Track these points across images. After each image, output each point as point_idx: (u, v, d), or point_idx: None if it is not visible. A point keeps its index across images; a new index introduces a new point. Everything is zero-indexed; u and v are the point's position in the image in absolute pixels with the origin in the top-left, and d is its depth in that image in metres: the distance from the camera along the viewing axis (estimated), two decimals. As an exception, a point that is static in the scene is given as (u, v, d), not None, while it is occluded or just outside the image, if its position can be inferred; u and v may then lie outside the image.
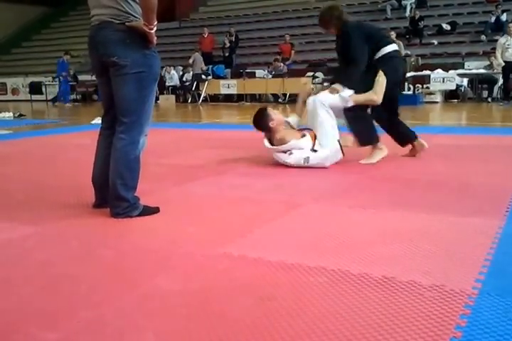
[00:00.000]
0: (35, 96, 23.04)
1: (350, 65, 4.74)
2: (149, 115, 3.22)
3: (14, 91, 24.74)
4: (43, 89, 22.42)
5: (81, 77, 21.80)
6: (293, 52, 18.48)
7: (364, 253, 2.49)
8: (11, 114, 12.99)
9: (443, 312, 1.86)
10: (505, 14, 16.94)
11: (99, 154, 3.41)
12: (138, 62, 3.08)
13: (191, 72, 18.86)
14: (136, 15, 3.06)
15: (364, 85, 4.62)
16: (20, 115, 13.10)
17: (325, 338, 1.69)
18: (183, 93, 19.25)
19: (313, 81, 17.73)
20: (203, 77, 18.42)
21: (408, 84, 16.29)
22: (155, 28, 3.07)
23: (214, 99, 18.99)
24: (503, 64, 13.93)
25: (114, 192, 3.17)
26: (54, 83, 22.18)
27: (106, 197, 3.30)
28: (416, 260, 2.38)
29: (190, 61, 18.68)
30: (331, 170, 4.59)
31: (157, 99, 19.88)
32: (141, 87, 3.10)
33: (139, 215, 3.20)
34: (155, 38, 3.12)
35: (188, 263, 2.41)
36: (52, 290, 2.14)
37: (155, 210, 3.29)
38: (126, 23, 3.03)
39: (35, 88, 23.12)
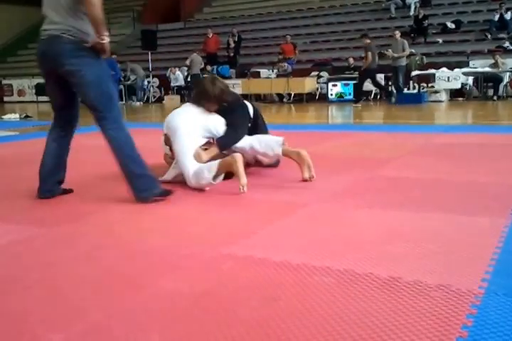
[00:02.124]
0: (41, 98, 23.12)
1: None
2: (118, 106, 3.77)
3: (20, 92, 24.83)
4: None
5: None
6: (297, 51, 18.46)
7: (370, 253, 2.48)
8: (17, 116, 13.03)
9: (449, 311, 1.86)
10: (509, 12, 16.91)
11: (47, 147, 3.86)
12: (91, 67, 3.48)
13: (186, 73, 18.90)
14: (84, 31, 3.43)
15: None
16: (27, 116, 13.14)
17: (330, 338, 1.69)
18: (188, 93, 19.27)
19: (318, 80, 17.78)
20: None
21: (413, 83, 16.29)
22: (107, 39, 3.43)
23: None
24: None
25: (132, 173, 3.54)
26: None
27: (50, 188, 3.77)
28: (422, 259, 2.38)
29: (187, 62, 18.63)
30: (335, 171, 4.58)
31: (162, 99, 19.92)
32: (102, 85, 3.56)
33: (161, 195, 3.60)
34: (108, 47, 3.48)
35: (193, 264, 2.41)
36: (59, 291, 2.14)
37: (169, 192, 3.66)
38: (86, 44, 3.43)
39: (41, 89, 23.19)
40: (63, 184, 3.90)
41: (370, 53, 14.24)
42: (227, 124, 4.27)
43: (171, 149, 4.30)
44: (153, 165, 4.47)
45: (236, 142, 4.30)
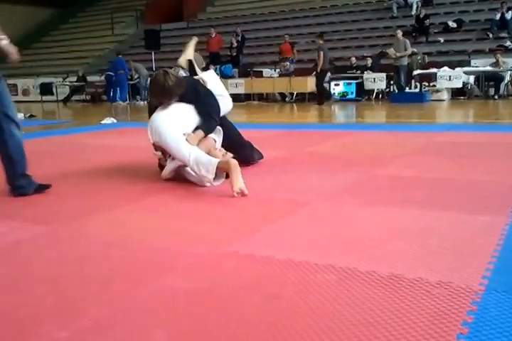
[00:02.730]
0: (45, 97, 23.24)
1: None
2: None
3: (25, 92, 24.90)
4: (54, 90, 22.57)
5: (89, 78, 21.94)
6: (295, 51, 18.46)
7: (371, 250, 2.50)
8: (21, 115, 13.04)
9: (450, 308, 1.87)
10: (510, 12, 16.91)
11: None
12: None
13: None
14: None
15: None
16: (31, 116, 13.16)
17: (332, 335, 1.71)
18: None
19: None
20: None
21: (415, 82, 16.30)
22: (5, 41, 3.66)
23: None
24: None
25: (22, 170, 3.81)
26: (64, 84, 22.35)
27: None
28: (423, 257, 2.40)
29: None
30: (337, 170, 4.60)
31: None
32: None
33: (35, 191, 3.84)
34: (10, 49, 3.71)
35: (195, 262, 2.43)
36: (63, 289, 2.16)
37: (47, 186, 3.90)
38: None
39: (46, 89, 23.30)
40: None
41: (322, 53, 14.46)
42: (199, 113, 4.24)
43: (163, 153, 4.27)
44: (155, 166, 4.51)
45: (216, 125, 4.32)
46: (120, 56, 19.96)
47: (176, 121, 4.13)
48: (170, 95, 4.20)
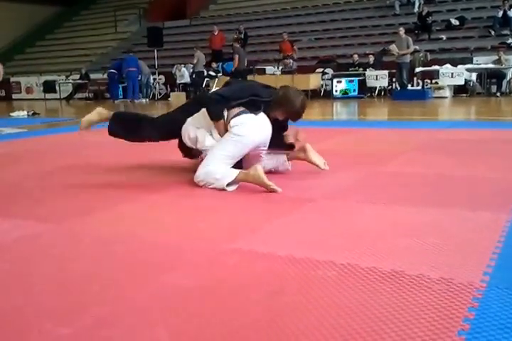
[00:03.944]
0: (48, 95, 23.27)
1: None
2: None
3: (28, 90, 24.95)
4: (57, 88, 22.62)
5: (92, 76, 21.97)
6: (295, 49, 18.46)
7: (373, 247, 2.51)
8: (25, 113, 13.06)
9: (451, 305, 1.87)
10: (513, 9, 16.91)
11: None
12: None
13: (192, 70, 18.97)
14: None
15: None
16: (34, 113, 13.17)
17: (334, 331, 1.71)
18: (194, 90, 19.28)
19: (323, 77, 17.78)
20: (212, 74, 18.41)
21: (417, 79, 16.30)
22: None
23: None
24: None
25: None
26: (67, 81, 22.38)
27: None
28: (424, 254, 2.40)
29: (195, 61, 18.71)
30: (339, 167, 4.59)
31: (168, 96, 19.96)
32: None
33: None
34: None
35: (198, 259, 2.43)
36: (66, 286, 2.17)
37: None
38: None
39: (49, 86, 23.33)
40: None
41: (237, 56, 14.93)
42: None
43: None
44: (157, 163, 4.51)
45: (220, 106, 3.99)
46: (131, 54, 20.04)
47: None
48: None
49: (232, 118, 3.93)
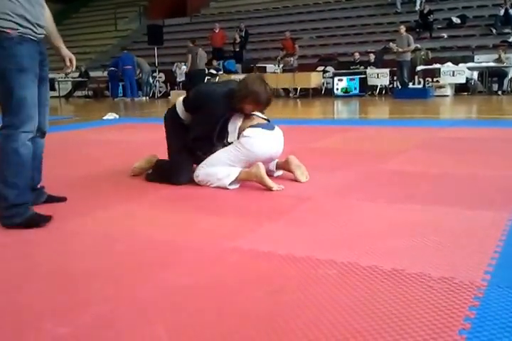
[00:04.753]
0: (50, 93, 23.15)
1: None
2: (23, 109, 2.98)
3: (28, 87, 24.88)
4: (56, 86, 22.59)
5: (92, 74, 21.94)
6: (297, 47, 18.44)
7: (374, 245, 2.50)
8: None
9: (452, 303, 1.87)
10: (514, 8, 16.90)
11: None
12: None
13: (187, 69, 18.90)
14: None
15: None
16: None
17: (334, 330, 1.71)
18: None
19: (324, 75, 17.77)
20: (213, 72, 18.38)
21: (418, 77, 16.30)
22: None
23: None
24: None
25: None
26: (67, 79, 22.36)
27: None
28: (425, 252, 2.40)
29: (189, 56, 18.60)
30: (339, 165, 4.59)
31: (168, 94, 19.94)
32: (3, 80, 2.93)
33: (21, 225, 2.93)
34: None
35: (198, 257, 2.43)
36: (65, 285, 2.17)
37: (45, 219, 3.02)
38: None
39: (50, 85, 23.27)
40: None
41: (190, 56, 15.06)
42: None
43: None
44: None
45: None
46: (126, 51, 19.97)
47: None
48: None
49: (249, 126, 3.92)
